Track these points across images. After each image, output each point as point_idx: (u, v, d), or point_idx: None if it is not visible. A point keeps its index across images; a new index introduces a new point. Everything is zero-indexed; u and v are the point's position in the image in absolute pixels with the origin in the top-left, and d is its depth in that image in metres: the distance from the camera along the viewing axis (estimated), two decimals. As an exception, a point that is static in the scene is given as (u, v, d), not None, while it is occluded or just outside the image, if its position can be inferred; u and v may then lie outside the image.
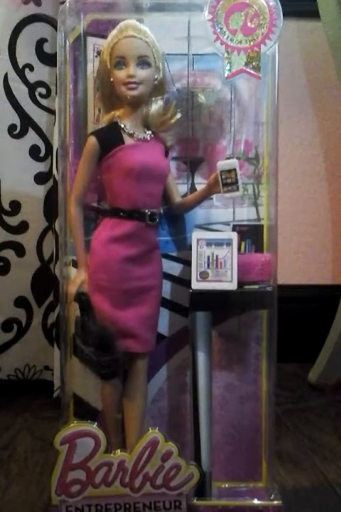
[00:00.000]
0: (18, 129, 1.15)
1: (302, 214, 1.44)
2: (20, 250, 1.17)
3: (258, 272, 0.75)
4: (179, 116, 0.77)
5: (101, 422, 0.74)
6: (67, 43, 0.76)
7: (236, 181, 0.72)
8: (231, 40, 0.72)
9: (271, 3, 0.73)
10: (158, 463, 0.71)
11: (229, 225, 0.79)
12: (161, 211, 0.77)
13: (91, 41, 0.77)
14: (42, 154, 1.16)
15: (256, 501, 0.75)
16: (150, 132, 0.76)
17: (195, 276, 0.74)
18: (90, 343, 0.73)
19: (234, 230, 0.78)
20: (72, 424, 0.72)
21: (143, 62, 0.73)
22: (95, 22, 0.77)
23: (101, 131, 0.75)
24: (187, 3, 0.77)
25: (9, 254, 1.17)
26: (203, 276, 0.74)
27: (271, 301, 0.76)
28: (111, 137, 0.74)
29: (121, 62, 0.73)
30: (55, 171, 1.09)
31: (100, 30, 0.77)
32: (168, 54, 0.76)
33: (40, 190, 1.17)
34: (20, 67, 1.13)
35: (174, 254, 0.79)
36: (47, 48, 1.14)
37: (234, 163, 0.73)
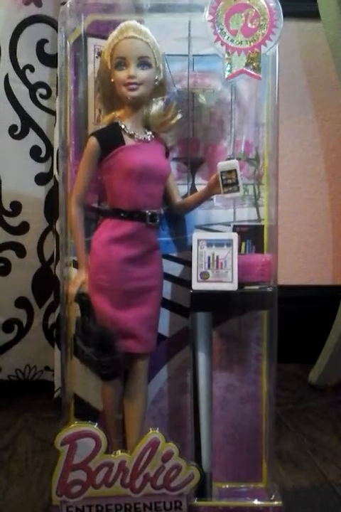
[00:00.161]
0: (19, 129, 1.15)
1: (302, 214, 1.44)
2: (20, 251, 1.17)
3: (258, 273, 0.75)
4: (179, 117, 0.77)
5: (102, 423, 0.74)
6: (68, 44, 0.77)
7: (237, 182, 0.72)
8: (232, 40, 0.72)
9: (271, 4, 0.73)
10: (159, 463, 0.71)
11: (229, 225, 0.79)
12: (162, 212, 0.77)
13: (92, 42, 0.78)
14: (42, 155, 1.17)
15: (256, 502, 0.75)
16: (150, 133, 0.76)
17: (195, 277, 0.74)
18: (91, 343, 0.73)
19: (234, 230, 0.78)
20: (72, 425, 0.72)
21: (143, 63, 0.73)
22: (96, 23, 0.77)
23: (102, 131, 0.75)
24: (188, 4, 0.77)
25: (10, 254, 1.17)
26: (204, 276, 0.74)
27: (272, 302, 0.76)
28: (111, 138, 0.74)
29: (121, 63, 0.73)
30: (55, 172, 1.09)
31: (101, 31, 0.77)
32: (168, 55, 0.76)
33: (41, 191, 1.17)
34: (21, 67, 1.14)
35: (174, 254, 0.79)
36: (47, 48, 1.14)
37: (234, 163, 0.73)
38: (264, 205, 0.79)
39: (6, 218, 1.16)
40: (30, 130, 1.15)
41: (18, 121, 1.15)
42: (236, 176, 0.72)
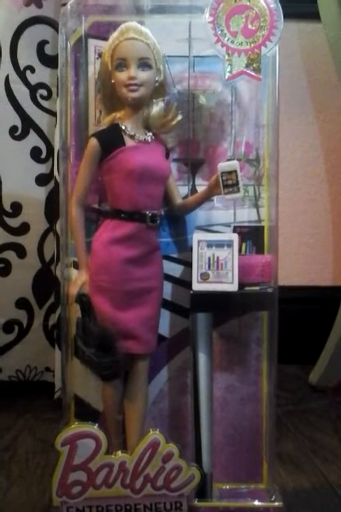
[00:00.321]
0: (20, 130, 1.15)
1: (302, 215, 1.44)
2: (21, 252, 1.17)
3: (258, 274, 0.75)
4: (180, 118, 0.77)
5: (102, 423, 0.74)
6: (69, 45, 0.77)
7: (237, 183, 0.72)
8: (232, 42, 0.72)
9: (271, 5, 0.73)
10: (159, 464, 0.71)
11: (229, 226, 0.79)
12: (162, 213, 0.77)
13: (93, 43, 0.78)
14: (43, 156, 1.17)
15: (257, 502, 0.75)
16: (151, 134, 0.76)
17: (195, 278, 0.74)
18: (91, 344, 0.73)
19: (234, 231, 0.78)
20: (73, 426, 0.72)
21: (144, 64, 0.73)
22: (96, 24, 0.77)
23: (102, 132, 0.75)
24: (188, 5, 0.77)
25: (10, 255, 1.17)
26: (204, 277, 0.74)
27: (272, 303, 0.76)
28: (112, 139, 0.74)
29: (122, 64, 0.73)
30: (56, 173, 1.09)
31: (101, 32, 0.77)
32: (168, 56, 0.76)
33: (41, 192, 1.17)
34: (22, 68, 1.14)
35: (175, 255, 0.80)
36: (48, 49, 1.14)
37: (234, 164, 0.73)
38: (264, 206, 0.79)
39: (7, 219, 1.16)
40: (31, 131, 1.15)
41: (18, 122, 1.15)
42: (237, 177, 0.72)
